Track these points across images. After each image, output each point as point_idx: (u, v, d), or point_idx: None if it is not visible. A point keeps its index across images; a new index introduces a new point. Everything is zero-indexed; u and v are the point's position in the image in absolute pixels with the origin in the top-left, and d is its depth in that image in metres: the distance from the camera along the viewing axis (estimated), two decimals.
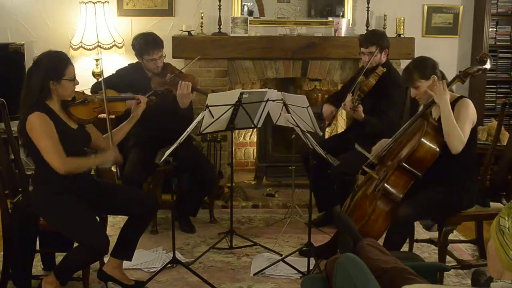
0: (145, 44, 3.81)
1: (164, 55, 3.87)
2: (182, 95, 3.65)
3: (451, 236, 3.30)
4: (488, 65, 3.07)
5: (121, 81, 3.75)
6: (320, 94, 5.15)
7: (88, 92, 3.18)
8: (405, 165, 3.00)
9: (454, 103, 3.00)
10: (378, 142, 3.36)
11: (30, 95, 2.81)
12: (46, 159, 2.76)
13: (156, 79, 3.80)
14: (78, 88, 2.98)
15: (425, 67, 3.06)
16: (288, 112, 3.32)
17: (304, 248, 3.46)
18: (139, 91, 3.48)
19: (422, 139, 2.95)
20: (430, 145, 2.96)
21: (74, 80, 2.87)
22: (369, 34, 4.09)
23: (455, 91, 3.16)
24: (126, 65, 4.11)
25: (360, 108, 3.68)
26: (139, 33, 3.97)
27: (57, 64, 2.83)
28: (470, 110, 2.97)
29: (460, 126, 2.91)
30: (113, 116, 3.26)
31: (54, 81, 2.80)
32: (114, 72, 4.01)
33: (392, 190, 3.02)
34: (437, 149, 2.96)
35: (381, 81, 3.85)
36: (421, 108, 3.18)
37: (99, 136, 3.10)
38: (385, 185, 3.03)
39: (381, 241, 2.88)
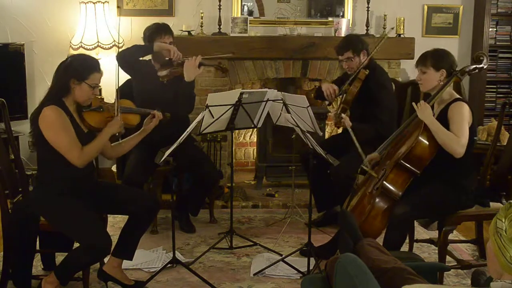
0: (157, 28, 3.89)
1: (174, 43, 3.90)
2: (188, 66, 3.70)
3: (451, 236, 3.30)
4: (484, 64, 3.10)
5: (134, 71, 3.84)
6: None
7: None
8: (403, 162, 3.01)
9: (449, 104, 3.02)
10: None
11: (52, 88, 2.87)
12: (63, 153, 2.78)
13: (164, 69, 3.81)
14: None
15: (441, 59, 3.09)
16: (288, 112, 3.32)
17: (304, 248, 3.46)
18: (153, 91, 3.63)
19: (420, 137, 2.97)
20: (428, 142, 2.97)
21: (94, 89, 2.88)
22: (342, 41, 3.99)
23: (464, 92, 3.16)
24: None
25: (345, 119, 3.62)
26: (149, 24, 4.00)
27: (85, 65, 2.87)
28: (464, 111, 2.98)
29: (457, 127, 2.93)
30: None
31: (76, 80, 2.83)
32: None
33: (390, 187, 3.03)
34: (435, 147, 2.97)
35: (365, 85, 3.78)
36: None
37: (107, 144, 3.10)
38: (384, 182, 3.04)
39: (380, 240, 2.88)
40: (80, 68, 2.84)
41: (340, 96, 3.89)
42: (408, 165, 3.01)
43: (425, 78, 3.10)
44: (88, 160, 2.85)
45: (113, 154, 3.19)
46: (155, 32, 3.87)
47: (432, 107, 3.13)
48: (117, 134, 3.00)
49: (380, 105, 3.79)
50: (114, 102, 3.03)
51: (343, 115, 3.64)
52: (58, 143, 2.77)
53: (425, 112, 3.00)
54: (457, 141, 2.91)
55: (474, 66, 3.11)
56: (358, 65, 3.84)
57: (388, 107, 3.85)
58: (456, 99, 3.04)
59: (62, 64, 2.89)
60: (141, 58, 3.95)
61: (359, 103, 3.81)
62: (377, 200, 3.04)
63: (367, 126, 3.74)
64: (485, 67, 3.13)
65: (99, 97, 3.06)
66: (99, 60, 4.71)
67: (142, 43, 4.13)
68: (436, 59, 3.08)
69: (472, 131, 3.06)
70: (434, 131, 2.95)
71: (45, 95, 2.88)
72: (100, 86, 2.94)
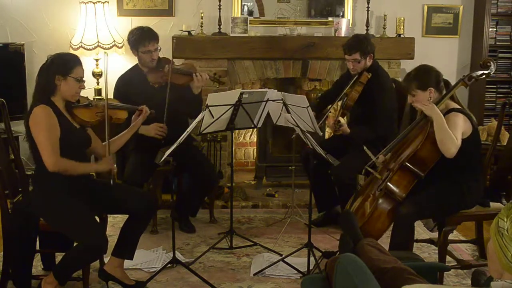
0: (140, 35, 3.83)
1: (159, 48, 3.88)
2: (197, 83, 3.77)
3: (451, 236, 3.30)
4: (491, 70, 3.12)
5: (124, 91, 3.81)
6: (320, 94, 5.14)
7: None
8: (408, 165, 3.02)
9: (445, 114, 3.02)
10: None
11: (37, 89, 2.88)
12: (40, 153, 2.78)
13: (153, 73, 3.82)
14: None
15: (425, 78, 3.09)
16: (288, 112, 3.32)
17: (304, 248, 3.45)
18: (142, 96, 3.62)
19: (426, 140, 2.98)
20: (433, 145, 2.98)
21: (80, 82, 2.90)
22: (353, 40, 3.96)
23: (455, 96, 3.16)
24: (125, 71, 4.06)
25: (343, 126, 3.67)
26: (134, 28, 3.99)
27: (66, 61, 2.89)
28: (458, 120, 2.98)
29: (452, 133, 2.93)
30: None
31: (60, 76, 2.84)
32: (117, 79, 3.98)
33: (394, 189, 3.03)
34: (440, 150, 2.97)
35: (367, 88, 3.80)
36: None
37: (98, 142, 3.12)
38: (388, 184, 3.04)
39: (381, 241, 2.88)
40: (62, 63, 2.86)
41: (340, 101, 3.88)
42: (413, 167, 3.01)
43: (416, 100, 3.09)
44: (60, 169, 2.79)
45: (105, 153, 3.18)
46: (137, 41, 3.82)
47: None
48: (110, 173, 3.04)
49: (379, 107, 3.79)
50: (101, 100, 3.06)
51: (341, 120, 3.66)
52: (38, 141, 2.78)
53: (432, 109, 2.98)
54: (453, 140, 2.90)
55: (482, 72, 3.12)
56: (362, 67, 3.85)
57: (387, 109, 3.85)
58: (451, 110, 3.04)
59: (44, 65, 2.90)
60: (132, 66, 4.02)
61: (358, 105, 3.82)
62: (380, 201, 3.05)
63: (365, 129, 3.74)
64: (492, 73, 3.14)
65: (85, 96, 3.07)
66: (98, 60, 4.75)
67: None
68: (420, 80, 3.08)
69: (475, 135, 3.06)
70: (437, 125, 2.93)
71: (32, 97, 2.89)
72: (84, 80, 2.94)
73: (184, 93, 3.82)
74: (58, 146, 2.80)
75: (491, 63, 3.11)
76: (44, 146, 2.77)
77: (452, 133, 2.92)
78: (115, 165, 3.02)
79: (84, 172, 2.95)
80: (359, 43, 3.87)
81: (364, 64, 3.86)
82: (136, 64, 3.97)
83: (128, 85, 3.83)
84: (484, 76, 3.15)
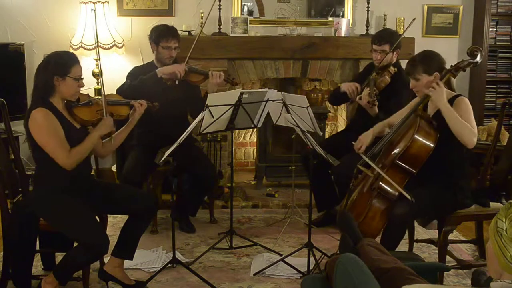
0: (166, 30, 3.88)
1: (179, 48, 3.91)
2: (214, 84, 3.83)
3: (451, 236, 3.30)
4: (478, 59, 3.06)
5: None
6: (320, 94, 5.14)
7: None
8: (399, 162, 3.00)
9: (451, 101, 3.00)
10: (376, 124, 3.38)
11: (35, 90, 2.86)
12: (51, 155, 2.77)
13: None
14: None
15: (431, 62, 3.07)
16: (288, 112, 3.32)
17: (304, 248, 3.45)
18: (153, 90, 3.64)
19: (415, 136, 2.95)
20: (424, 141, 2.96)
21: (79, 81, 2.88)
22: (384, 32, 4.05)
23: (455, 88, 3.16)
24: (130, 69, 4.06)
25: (377, 103, 3.68)
26: (159, 24, 4.01)
27: (64, 60, 2.86)
28: (469, 104, 2.98)
29: (466, 120, 2.91)
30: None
31: (59, 77, 2.82)
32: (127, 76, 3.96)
33: (387, 188, 3.01)
34: (431, 145, 2.96)
35: (392, 81, 3.84)
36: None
37: (99, 142, 3.10)
38: (380, 183, 3.02)
39: (378, 239, 2.88)
40: (59, 63, 2.83)
41: (369, 84, 3.86)
42: (404, 165, 2.99)
43: (420, 85, 3.07)
44: (76, 161, 2.81)
45: (105, 151, 3.17)
46: (161, 35, 3.85)
47: (426, 106, 3.13)
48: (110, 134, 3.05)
49: (400, 103, 3.77)
50: (101, 97, 3.04)
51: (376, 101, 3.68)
52: (45, 145, 2.77)
53: (441, 96, 2.92)
54: (471, 130, 2.87)
55: (469, 61, 3.07)
56: (388, 60, 3.87)
57: (405, 105, 3.86)
58: (457, 95, 3.03)
59: (40, 65, 2.88)
60: (138, 65, 4.03)
61: (381, 96, 3.81)
62: (374, 201, 3.03)
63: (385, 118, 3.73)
64: (479, 62, 3.09)
65: (85, 93, 3.06)
66: (99, 60, 4.73)
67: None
68: (426, 64, 3.05)
69: None
70: (448, 117, 2.88)
71: (31, 99, 2.87)
72: (83, 78, 2.93)
73: (192, 93, 3.85)
74: (66, 142, 2.79)
75: (478, 51, 3.06)
76: (52, 148, 2.76)
77: (469, 118, 2.90)
78: (114, 128, 3.04)
79: (93, 144, 2.93)
80: (390, 36, 3.92)
81: (391, 58, 3.88)
82: (152, 61, 3.98)
83: (142, 75, 3.85)
84: (471, 65, 3.09)
